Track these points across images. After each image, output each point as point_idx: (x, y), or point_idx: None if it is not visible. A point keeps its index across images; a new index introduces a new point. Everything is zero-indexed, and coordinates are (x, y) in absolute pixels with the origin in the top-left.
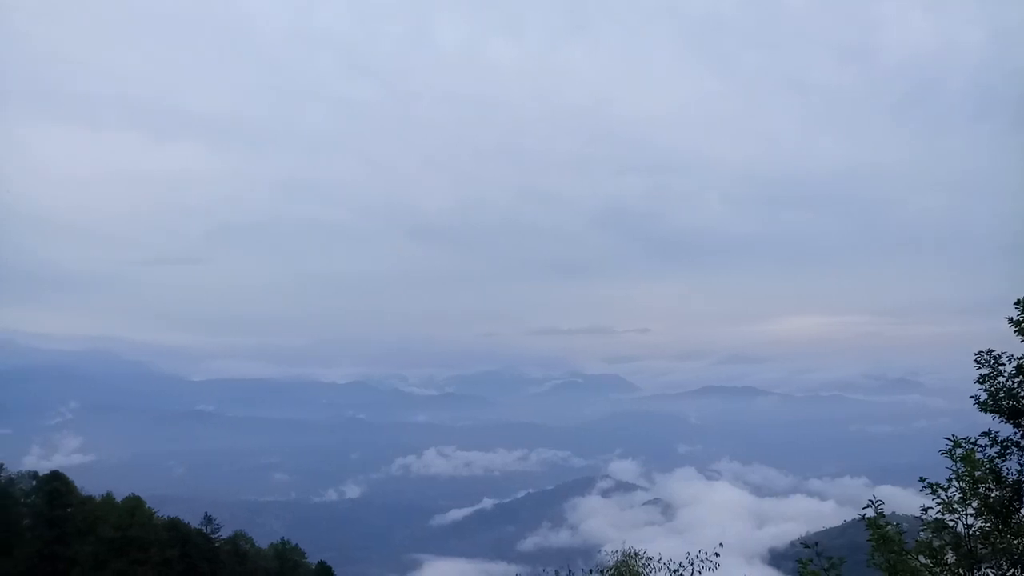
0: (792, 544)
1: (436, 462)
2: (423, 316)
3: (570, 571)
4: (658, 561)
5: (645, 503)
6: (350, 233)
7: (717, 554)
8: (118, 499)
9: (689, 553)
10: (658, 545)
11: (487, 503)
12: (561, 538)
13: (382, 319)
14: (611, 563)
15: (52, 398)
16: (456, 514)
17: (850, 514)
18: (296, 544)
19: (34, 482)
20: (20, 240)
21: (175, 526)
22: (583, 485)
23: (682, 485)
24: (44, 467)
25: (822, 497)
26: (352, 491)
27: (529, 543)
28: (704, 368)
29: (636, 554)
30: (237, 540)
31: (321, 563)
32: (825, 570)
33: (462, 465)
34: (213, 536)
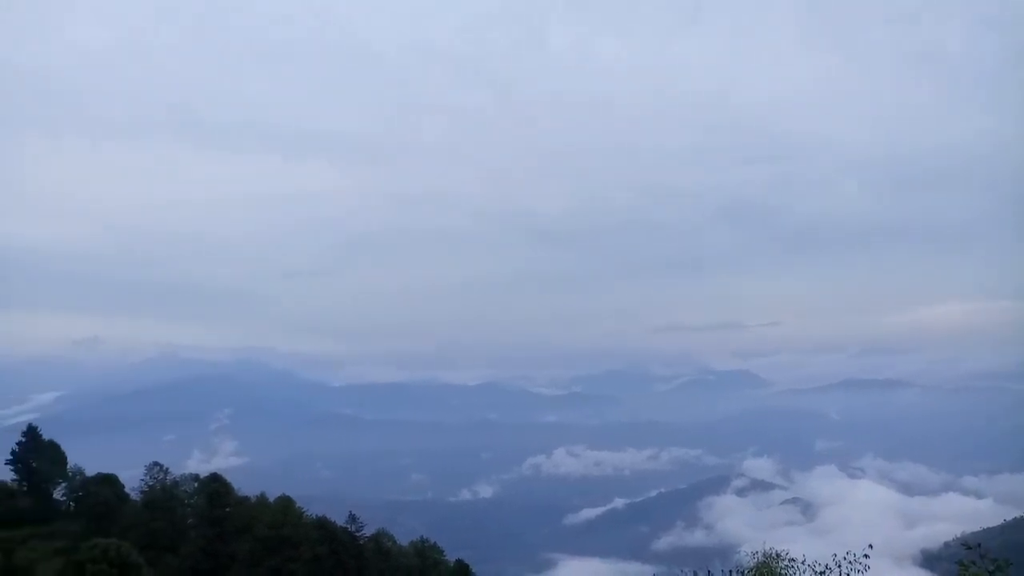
0: (946, 545)
1: (566, 462)
2: (547, 317)
3: (709, 572)
4: (802, 563)
5: (784, 502)
6: (471, 239)
7: (867, 556)
8: (270, 499)
9: (836, 555)
10: (800, 546)
11: (619, 502)
12: (696, 538)
13: (507, 322)
14: (751, 564)
15: (210, 406)
16: (588, 513)
17: (1011, 513)
18: (435, 542)
19: (196, 484)
20: (177, 260)
21: (323, 525)
22: (717, 484)
23: (823, 483)
24: (204, 470)
25: (978, 495)
26: (485, 491)
27: (663, 543)
28: (841, 361)
29: (778, 555)
30: (380, 538)
31: (459, 561)
32: (990, 572)
33: (592, 464)
34: (358, 534)
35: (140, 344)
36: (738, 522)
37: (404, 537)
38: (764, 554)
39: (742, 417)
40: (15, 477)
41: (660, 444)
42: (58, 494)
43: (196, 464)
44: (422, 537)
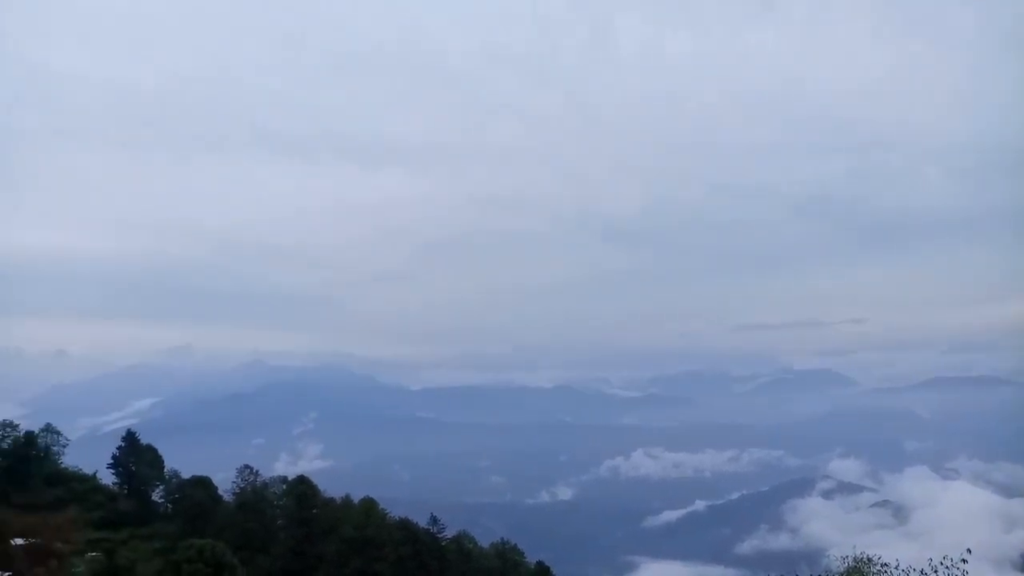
0: None
1: (644, 463)
2: (622, 318)
3: None
4: (896, 568)
5: (873, 505)
6: (545, 241)
7: (964, 560)
8: (354, 501)
9: (931, 560)
10: (891, 550)
11: (699, 505)
12: (781, 541)
13: (581, 323)
14: (841, 569)
15: (296, 411)
16: (669, 516)
17: None
18: (515, 544)
19: (284, 486)
20: (262, 270)
21: (405, 526)
22: (801, 486)
23: (914, 485)
24: (292, 472)
25: None
26: (564, 493)
27: (747, 546)
28: (929, 358)
29: (869, 559)
30: (461, 540)
31: (539, 563)
32: None
33: (671, 466)
34: (439, 536)
35: (230, 351)
36: (825, 525)
37: (484, 539)
38: (855, 558)
39: (826, 417)
40: (116, 480)
41: (740, 445)
42: (156, 496)
43: (283, 467)
44: (502, 539)
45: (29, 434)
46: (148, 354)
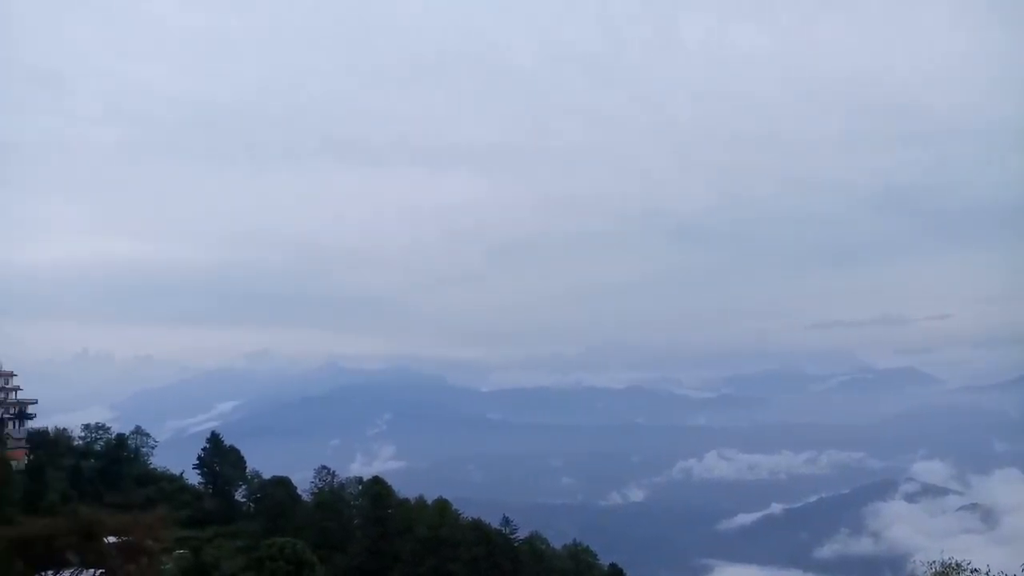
0: None
1: (718, 465)
2: (692, 317)
3: None
4: (986, 574)
5: (960, 508)
6: (612, 241)
7: None
8: (428, 501)
9: None
10: (980, 556)
11: (776, 508)
12: (862, 546)
13: (651, 323)
14: (927, 575)
15: (369, 412)
16: (744, 519)
17: None
18: (587, 546)
19: (360, 486)
20: (335, 275)
21: (478, 527)
22: (883, 489)
23: (1004, 488)
24: (366, 472)
25: None
26: (636, 494)
27: (827, 551)
28: (1019, 354)
29: (958, 565)
30: (534, 541)
31: (613, 565)
32: None
33: (746, 468)
34: (512, 536)
35: (306, 355)
36: (909, 529)
37: (556, 540)
38: (942, 564)
39: (908, 417)
40: (202, 480)
41: (818, 447)
42: (239, 496)
43: (358, 467)
44: (575, 540)
45: (120, 436)
46: (229, 358)
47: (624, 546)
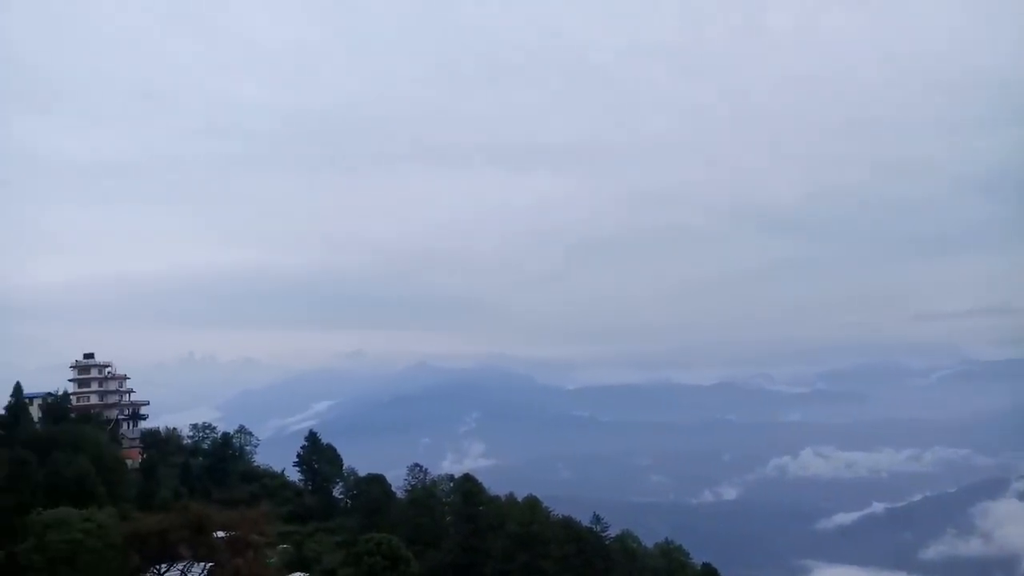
0: None
1: (814, 463)
2: (784, 311)
3: None
4: None
5: None
6: (700, 235)
7: None
8: (518, 499)
9: None
10: None
11: (877, 507)
12: (972, 547)
13: (741, 318)
14: None
15: (459, 411)
16: (843, 518)
17: None
18: (680, 544)
19: (451, 483)
20: (424, 277)
21: (569, 524)
22: (993, 487)
23: None
24: (457, 470)
25: None
26: (728, 493)
27: (932, 552)
28: None
29: None
30: (625, 539)
31: (706, 565)
32: None
33: (843, 466)
34: (603, 534)
35: (397, 355)
36: (1022, 530)
37: (648, 539)
38: None
39: (1017, 412)
40: (301, 477)
41: (921, 444)
42: (336, 492)
43: (449, 465)
44: (666, 539)
45: (225, 435)
46: (325, 360)
47: (717, 545)
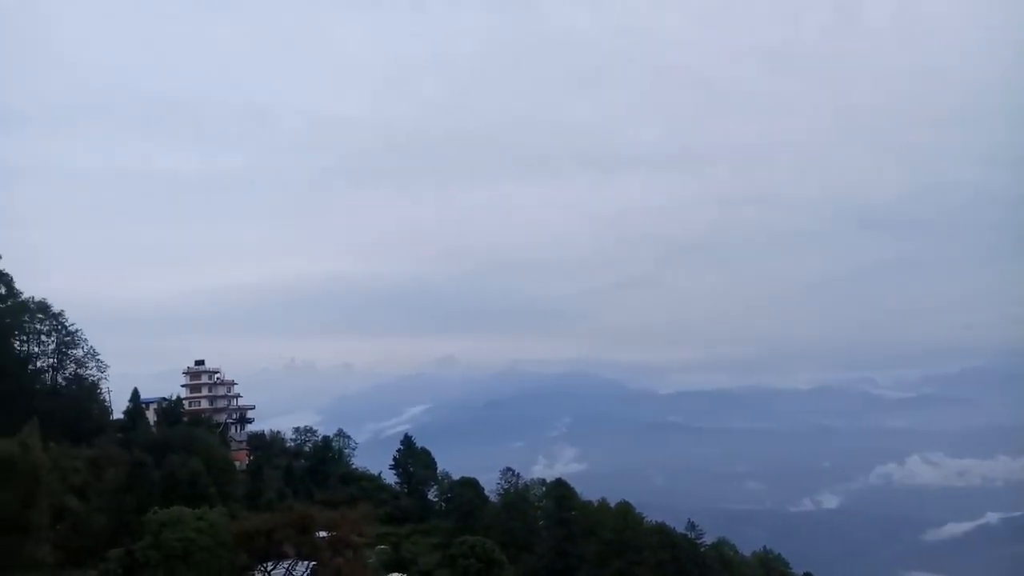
0: None
1: (922, 471)
2: (886, 313)
3: None
4: None
5: None
6: (796, 236)
7: None
8: (611, 504)
9: None
10: None
11: (991, 517)
12: None
13: (840, 320)
14: None
15: (550, 415)
16: (954, 529)
17: None
18: (779, 554)
19: (543, 488)
20: (515, 282)
21: (663, 531)
22: None
23: None
24: (548, 475)
25: None
26: (829, 501)
27: None
28: None
29: None
30: (721, 547)
31: (808, 575)
32: None
33: (954, 474)
34: (698, 541)
35: (488, 361)
36: None
37: (745, 547)
38: None
39: None
40: (397, 480)
41: None
42: (431, 495)
43: (541, 470)
44: (764, 547)
45: (326, 438)
46: (419, 365)
47: (818, 556)
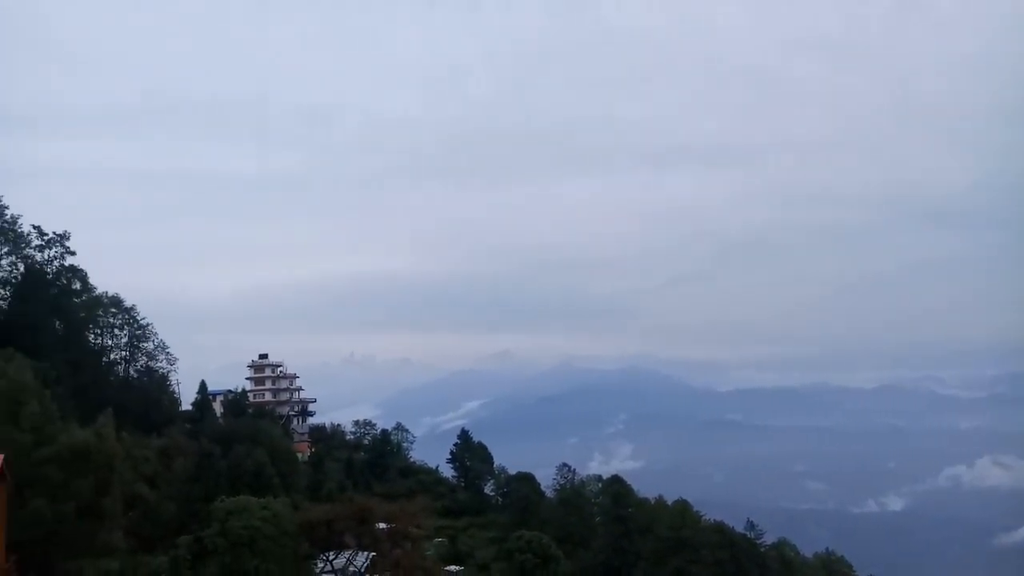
0: None
1: (993, 473)
2: (955, 309)
3: None
4: None
5: None
6: (857, 231)
7: None
8: (667, 502)
9: None
10: None
11: None
12: None
13: (905, 317)
14: None
15: (606, 412)
16: None
17: None
18: (842, 555)
19: (599, 484)
20: (569, 279)
21: (721, 530)
22: None
23: None
24: (604, 471)
25: None
26: (894, 503)
27: None
28: None
29: None
30: (782, 547)
31: None
32: None
33: None
34: (758, 541)
35: (542, 357)
36: None
37: (806, 548)
38: None
39: None
40: (454, 474)
41: None
42: (487, 489)
43: (597, 466)
44: (827, 549)
45: (384, 432)
46: (475, 360)
47: (883, 559)
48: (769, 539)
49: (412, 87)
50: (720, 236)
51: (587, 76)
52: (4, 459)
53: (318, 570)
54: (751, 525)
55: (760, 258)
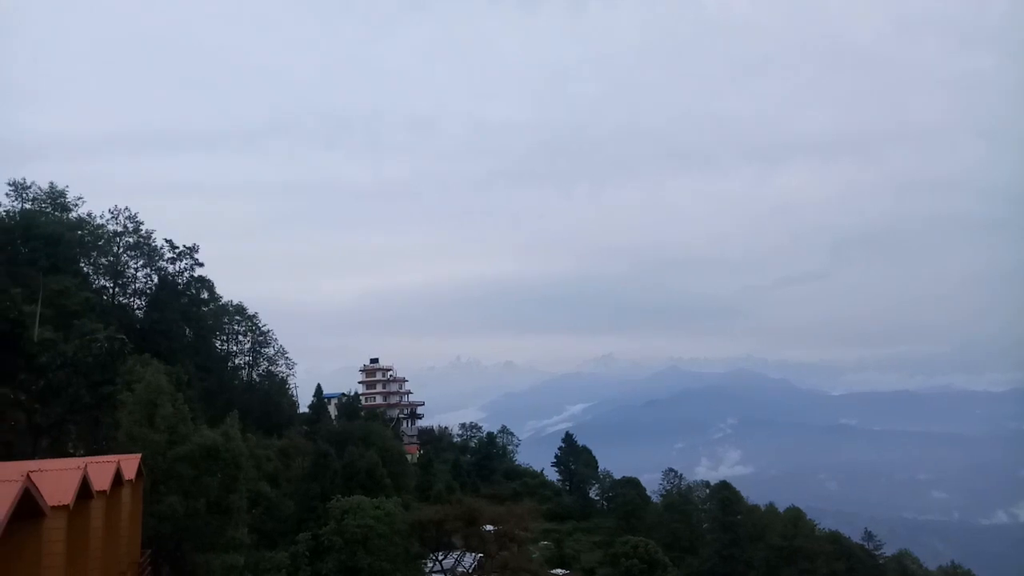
0: None
1: None
2: None
3: None
4: None
5: None
6: (984, 225)
7: None
8: (779, 509)
9: None
10: None
11: None
12: None
13: None
14: None
15: (713, 416)
16: None
17: None
18: (968, 570)
19: (707, 490)
20: (675, 280)
21: (837, 539)
22: None
23: None
24: (712, 477)
25: None
26: None
27: None
28: None
29: None
30: (903, 559)
31: None
32: None
33: None
34: (876, 553)
35: (648, 359)
36: None
37: (929, 561)
38: None
39: None
40: (559, 477)
41: None
42: (592, 493)
43: (704, 471)
44: (952, 562)
45: (490, 435)
46: (579, 363)
47: (1016, 573)
48: (888, 551)
49: (516, 92)
50: (834, 231)
51: (693, 72)
52: (141, 458)
53: (427, 569)
54: (869, 535)
55: (877, 253)
